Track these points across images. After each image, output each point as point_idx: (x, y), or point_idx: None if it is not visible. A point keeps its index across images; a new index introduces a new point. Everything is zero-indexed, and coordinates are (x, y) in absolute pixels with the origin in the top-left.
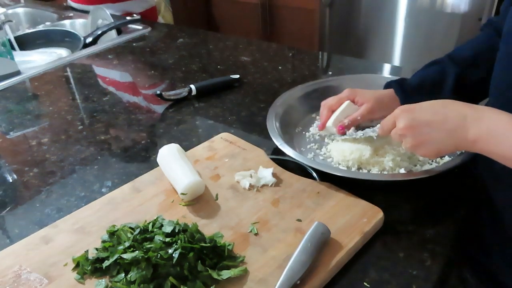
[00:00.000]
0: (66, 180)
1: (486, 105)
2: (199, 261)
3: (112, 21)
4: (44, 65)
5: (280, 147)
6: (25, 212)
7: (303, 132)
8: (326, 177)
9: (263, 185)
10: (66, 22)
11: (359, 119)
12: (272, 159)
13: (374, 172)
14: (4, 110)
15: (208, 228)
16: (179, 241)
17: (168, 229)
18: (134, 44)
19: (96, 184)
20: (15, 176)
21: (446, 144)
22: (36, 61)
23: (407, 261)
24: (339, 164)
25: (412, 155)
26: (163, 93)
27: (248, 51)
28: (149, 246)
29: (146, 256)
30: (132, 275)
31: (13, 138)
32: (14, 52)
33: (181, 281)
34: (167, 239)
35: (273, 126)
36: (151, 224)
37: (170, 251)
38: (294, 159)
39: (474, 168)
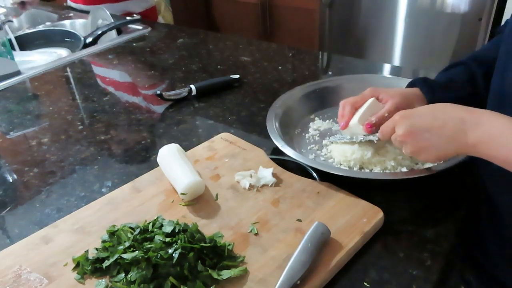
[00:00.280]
0: (66, 180)
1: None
2: (199, 261)
3: (112, 21)
4: (44, 65)
5: (281, 148)
6: (25, 212)
7: (303, 134)
8: (326, 177)
9: (263, 185)
10: (66, 22)
11: (387, 116)
12: (272, 159)
13: (376, 171)
14: (4, 110)
15: (208, 228)
16: (179, 241)
17: (168, 229)
18: (134, 44)
19: (96, 184)
20: (15, 176)
21: (446, 149)
22: (36, 61)
23: (407, 261)
24: (340, 164)
25: None
26: (163, 93)
27: (248, 51)
28: (149, 246)
29: (146, 256)
30: (132, 275)
31: (13, 138)
32: (14, 52)
33: (181, 281)
34: (167, 239)
35: (273, 127)
36: (151, 224)
37: (170, 251)
38: (295, 159)
39: (474, 168)
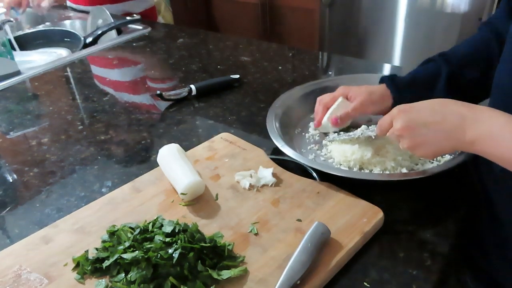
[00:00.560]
0: (66, 180)
1: (488, 105)
2: (199, 261)
3: (112, 21)
4: (44, 65)
5: (281, 148)
6: (25, 212)
7: (303, 133)
8: (326, 177)
9: (263, 185)
10: (66, 22)
11: (351, 112)
12: (272, 159)
13: (376, 172)
14: (4, 110)
15: (208, 228)
16: (179, 241)
17: (168, 229)
18: (134, 44)
19: (96, 184)
20: (15, 176)
21: (443, 145)
22: (36, 61)
23: (407, 261)
24: (340, 164)
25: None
26: (163, 93)
27: (248, 51)
28: (149, 246)
29: (146, 256)
30: (132, 275)
31: (13, 138)
32: (14, 52)
33: (181, 281)
34: (167, 239)
35: (273, 127)
36: (151, 224)
37: (170, 251)
38: (295, 159)
39: (474, 168)
